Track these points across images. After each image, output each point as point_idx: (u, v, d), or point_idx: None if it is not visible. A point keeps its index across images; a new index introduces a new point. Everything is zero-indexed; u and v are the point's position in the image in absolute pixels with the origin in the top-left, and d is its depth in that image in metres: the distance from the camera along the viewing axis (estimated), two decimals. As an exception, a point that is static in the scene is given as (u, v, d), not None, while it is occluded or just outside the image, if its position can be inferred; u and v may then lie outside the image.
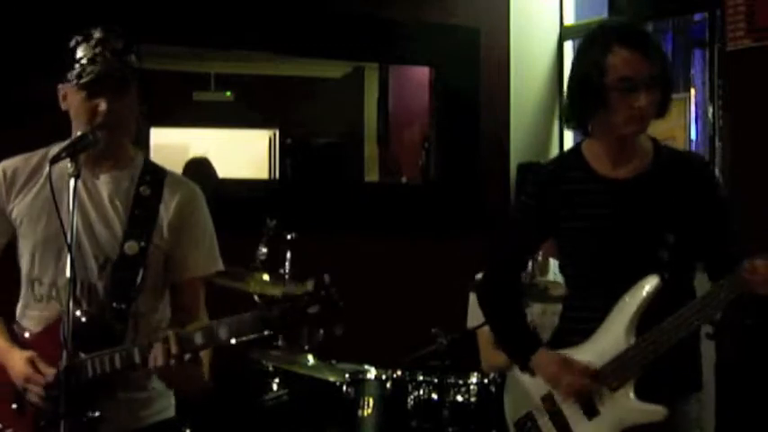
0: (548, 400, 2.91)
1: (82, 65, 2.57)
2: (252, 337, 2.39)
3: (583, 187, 2.87)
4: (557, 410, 2.89)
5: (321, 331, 2.33)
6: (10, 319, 2.74)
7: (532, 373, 2.92)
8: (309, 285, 2.32)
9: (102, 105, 2.56)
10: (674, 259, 2.80)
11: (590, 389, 2.81)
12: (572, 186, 2.88)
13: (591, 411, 2.82)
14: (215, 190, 5.57)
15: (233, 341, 2.43)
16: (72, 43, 2.62)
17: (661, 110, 2.80)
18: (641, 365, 2.77)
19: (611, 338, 2.80)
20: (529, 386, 2.95)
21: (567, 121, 2.94)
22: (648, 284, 2.78)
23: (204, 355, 2.60)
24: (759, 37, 4.96)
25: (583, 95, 2.79)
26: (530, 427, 2.94)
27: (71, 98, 2.62)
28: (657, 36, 6.02)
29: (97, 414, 2.47)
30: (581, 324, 2.89)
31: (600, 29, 2.88)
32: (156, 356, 2.40)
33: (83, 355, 2.48)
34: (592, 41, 2.83)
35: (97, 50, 2.57)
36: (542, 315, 4.09)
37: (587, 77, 2.76)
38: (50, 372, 2.51)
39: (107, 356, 2.47)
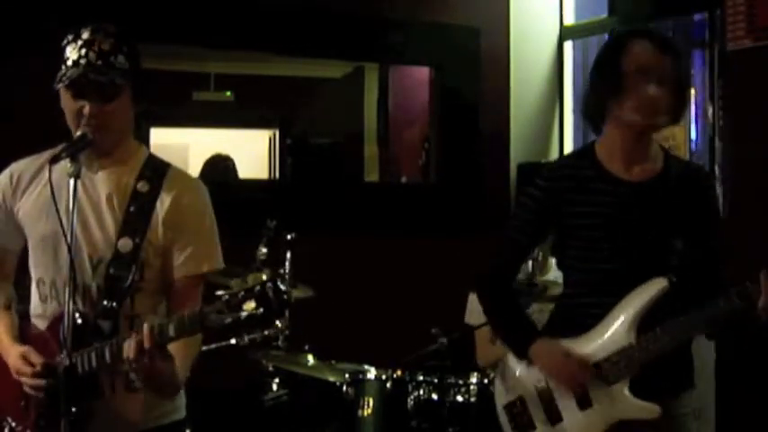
0: (541, 387, 2.95)
1: (67, 66, 2.54)
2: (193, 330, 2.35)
3: (594, 186, 2.89)
4: (549, 398, 2.93)
5: (262, 329, 2.23)
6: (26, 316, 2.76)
7: (530, 362, 2.96)
8: (250, 280, 2.22)
9: (86, 108, 2.53)
10: (683, 264, 2.88)
11: (587, 381, 2.86)
12: (583, 184, 2.90)
13: (584, 403, 2.87)
14: (232, 189, 5.64)
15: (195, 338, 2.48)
16: (63, 42, 2.58)
17: (675, 114, 2.86)
18: (640, 364, 2.82)
19: (612, 334, 2.85)
20: (522, 372, 2.99)
21: (583, 111, 3.00)
22: (656, 286, 2.84)
23: (182, 356, 2.54)
24: (759, 37, 4.96)
25: (601, 79, 2.87)
26: (519, 412, 2.98)
27: (62, 97, 2.59)
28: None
29: (74, 410, 2.44)
30: (581, 318, 2.92)
31: (622, 30, 3.06)
32: (129, 350, 2.36)
33: (63, 355, 2.46)
34: (615, 36, 3.01)
35: (82, 52, 2.52)
36: (540, 313, 4.09)
37: (607, 62, 2.87)
38: (38, 361, 2.52)
39: (85, 354, 2.46)
